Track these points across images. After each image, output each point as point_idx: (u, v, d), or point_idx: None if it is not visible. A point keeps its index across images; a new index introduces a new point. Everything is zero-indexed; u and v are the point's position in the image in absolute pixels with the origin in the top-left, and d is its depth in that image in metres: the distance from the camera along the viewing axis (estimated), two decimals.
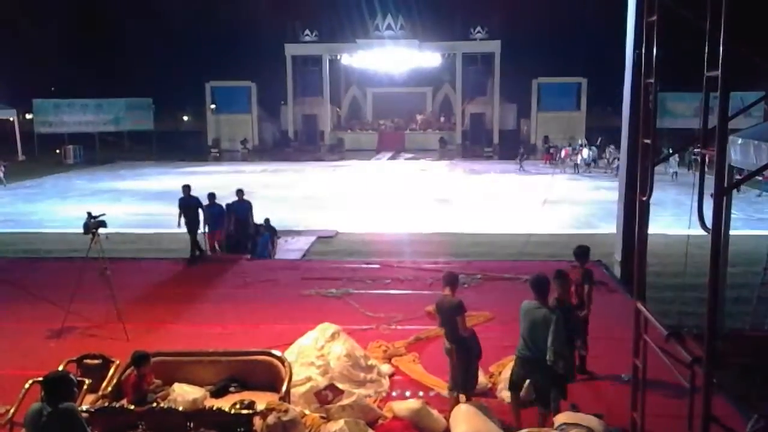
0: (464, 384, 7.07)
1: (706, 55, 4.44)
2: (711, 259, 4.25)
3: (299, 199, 24.59)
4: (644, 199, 5.46)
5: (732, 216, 9.88)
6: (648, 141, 5.42)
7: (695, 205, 4.84)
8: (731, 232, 9.56)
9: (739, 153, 8.73)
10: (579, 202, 23.52)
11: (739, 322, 10.09)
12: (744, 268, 12.63)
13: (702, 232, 4.65)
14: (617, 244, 12.87)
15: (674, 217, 17.88)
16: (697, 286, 9.87)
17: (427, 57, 45.85)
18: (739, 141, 8.72)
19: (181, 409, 6.11)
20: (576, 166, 32.17)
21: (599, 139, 35.98)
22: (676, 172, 27.28)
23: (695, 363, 4.47)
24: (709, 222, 4.41)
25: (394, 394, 7.91)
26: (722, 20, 4.10)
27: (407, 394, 7.86)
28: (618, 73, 12.57)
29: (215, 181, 28.59)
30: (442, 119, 49.31)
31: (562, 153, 34.82)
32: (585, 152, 33.31)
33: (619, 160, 30.27)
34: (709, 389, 4.33)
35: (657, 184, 5.43)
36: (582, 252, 8.26)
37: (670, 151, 20.48)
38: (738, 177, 8.85)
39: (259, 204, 22.85)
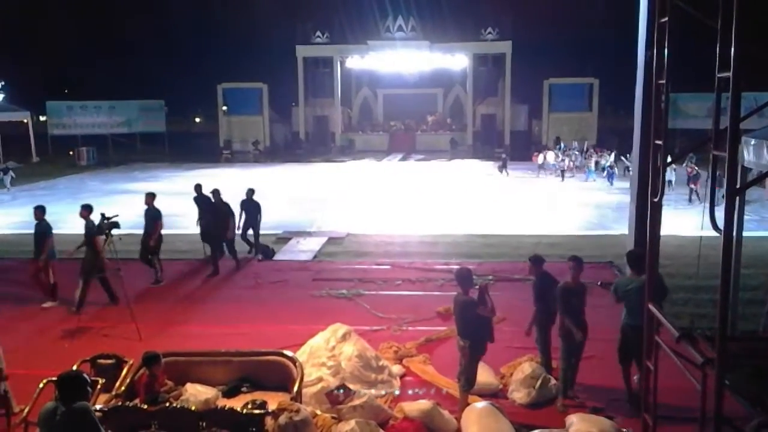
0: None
1: (717, 55, 4.42)
2: (722, 260, 4.23)
3: (310, 200, 24.63)
4: (656, 200, 5.45)
5: (745, 217, 9.81)
6: (659, 142, 5.40)
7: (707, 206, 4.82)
8: (744, 234, 9.50)
9: (752, 154, 8.68)
10: (589, 203, 23.44)
11: (752, 323, 10.01)
12: (757, 269, 12.55)
13: (715, 234, 4.64)
14: (629, 246, 12.81)
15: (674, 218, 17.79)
16: (710, 287, 9.82)
17: (439, 58, 45.82)
18: (752, 141, 8.66)
19: (193, 408, 6.15)
20: (563, 172, 30.56)
21: (559, 141, 35.59)
22: (671, 181, 24.31)
23: (707, 364, 4.45)
24: (720, 223, 4.39)
25: (404, 393, 7.91)
26: (734, 21, 4.09)
27: (418, 394, 7.86)
28: (630, 73, 12.51)
29: (227, 183, 28.74)
30: (448, 120, 49.18)
31: (538, 158, 33.03)
32: (550, 156, 32.50)
33: (599, 163, 30.19)
34: (720, 391, 4.31)
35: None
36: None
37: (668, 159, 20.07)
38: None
39: (270, 205, 23.04)
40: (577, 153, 33.37)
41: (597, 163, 31.31)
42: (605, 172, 28.98)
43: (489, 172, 32.47)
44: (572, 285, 7.53)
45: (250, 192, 14.85)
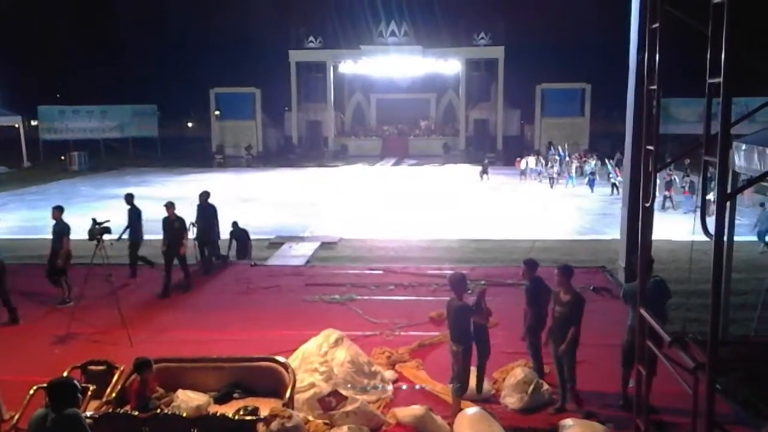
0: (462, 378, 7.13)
1: (708, 61, 4.44)
2: (714, 264, 4.24)
3: (303, 205, 24.62)
4: (647, 205, 5.47)
5: (736, 222, 9.86)
6: (651, 147, 5.42)
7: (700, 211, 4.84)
8: (735, 239, 9.54)
9: (743, 159, 8.72)
10: (574, 209, 23.50)
11: (744, 328, 10.06)
12: (749, 274, 12.61)
13: (707, 238, 4.65)
14: (621, 250, 12.85)
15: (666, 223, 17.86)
16: (702, 292, 9.86)
17: (432, 63, 45.94)
18: (743, 147, 8.70)
19: (184, 415, 6.12)
20: (552, 179, 29.91)
21: (551, 146, 35.61)
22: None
23: (698, 369, 4.46)
24: (712, 228, 4.41)
25: (397, 399, 7.88)
26: (724, 26, 4.11)
27: (411, 400, 7.83)
28: (622, 78, 12.57)
29: (220, 188, 28.68)
30: (433, 126, 49.24)
31: (521, 163, 32.95)
32: (531, 161, 32.37)
33: (582, 168, 30.16)
34: (711, 395, 4.32)
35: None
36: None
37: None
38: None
39: (262, 210, 23.04)
40: (557, 158, 32.98)
41: (580, 168, 31.29)
42: (587, 179, 28.47)
43: (479, 178, 32.54)
44: (561, 297, 7.49)
45: (205, 195, 14.20)
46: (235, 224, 15.06)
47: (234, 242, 14.87)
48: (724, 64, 4.16)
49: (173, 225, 12.49)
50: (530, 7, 47.54)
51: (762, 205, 16.74)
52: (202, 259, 14.16)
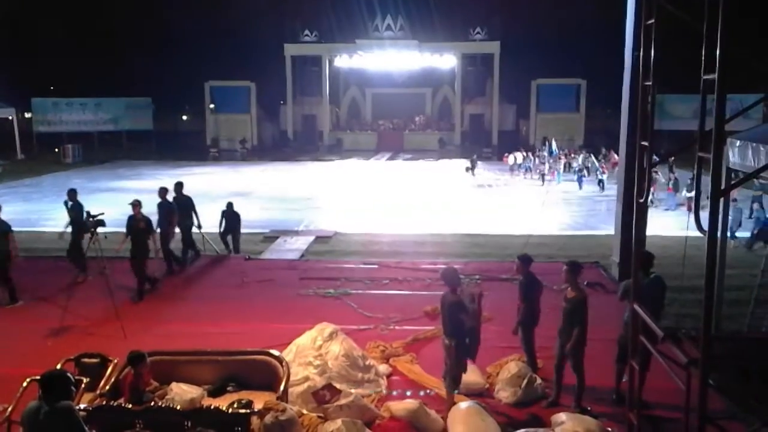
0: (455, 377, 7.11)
1: (703, 57, 4.45)
2: (707, 261, 4.26)
3: (298, 199, 24.62)
4: (641, 200, 5.48)
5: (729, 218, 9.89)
6: (646, 143, 5.43)
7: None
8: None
9: (737, 155, 8.74)
10: (572, 204, 23.55)
11: (737, 324, 10.10)
12: (742, 270, 12.64)
13: (700, 234, 4.67)
14: (615, 246, 12.89)
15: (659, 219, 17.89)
16: (696, 287, 9.87)
17: (427, 58, 45.93)
18: (738, 143, 8.72)
19: (178, 408, 6.12)
20: (543, 175, 29.75)
21: (545, 141, 35.90)
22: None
23: (691, 365, 4.48)
24: (705, 224, 4.42)
25: (392, 393, 7.90)
26: (719, 23, 4.12)
27: (405, 394, 7.86)
28: (617, 74, 12.58)
29: (214, 181, 28.67)
30: (425, 120, 49.25)
31: (509, 159, 33.13)
32: (519, 157, 32.49)
33: (570, 165, 30.18)
34: (704, 391, 4.34)
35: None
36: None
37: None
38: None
39: (257, 204, 23.01)
40: (545, 155, 32.92)
41: (568, 165, 31.25)
42: (576, 176, 28.29)
43: (476, 173, 32.58)
44: (567, 294, 7.47)
45: (179, 185, 13.72)
46: (229, 205, 14.61)
47: (224, 222, 14.50)
48: (718, 61, 4.17)
49: (139, 225, 11.86)
50: (526, 3, 47.53)
51: (734, 200, 16.64)
52: (185, 256, 13.87)
